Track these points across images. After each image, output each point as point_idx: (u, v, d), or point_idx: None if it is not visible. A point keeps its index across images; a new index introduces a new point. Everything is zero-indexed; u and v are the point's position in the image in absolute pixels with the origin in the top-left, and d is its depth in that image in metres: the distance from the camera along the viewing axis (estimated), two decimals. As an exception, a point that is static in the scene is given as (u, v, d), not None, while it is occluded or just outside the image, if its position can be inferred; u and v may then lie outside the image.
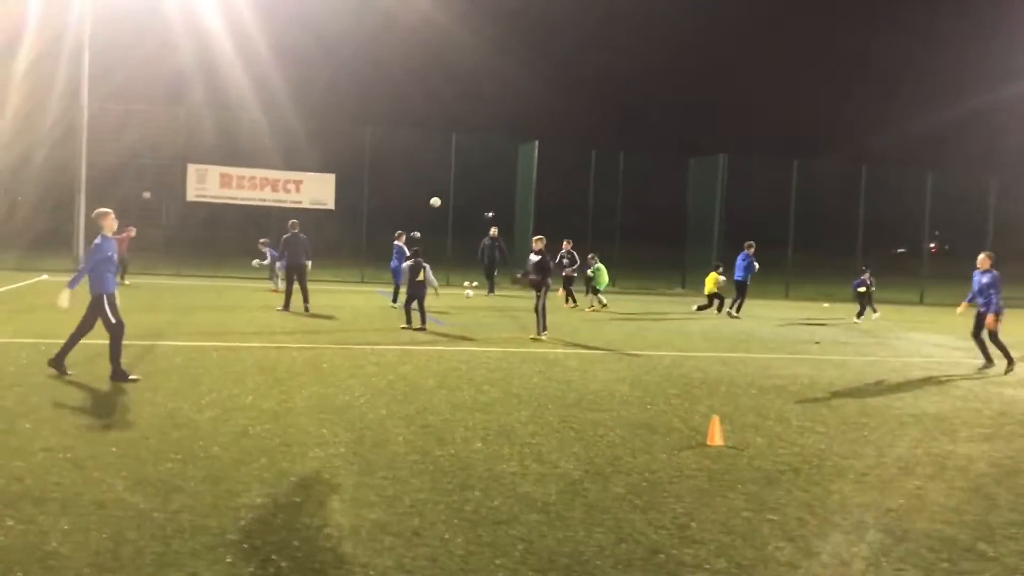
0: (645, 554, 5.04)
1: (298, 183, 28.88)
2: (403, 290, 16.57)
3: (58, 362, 9.54)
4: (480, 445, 7.35)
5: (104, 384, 9.17)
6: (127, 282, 21.75)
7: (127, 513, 5.23)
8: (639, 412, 9.10)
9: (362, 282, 28.86)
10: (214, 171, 28.23)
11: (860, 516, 5.91)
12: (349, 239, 30.36)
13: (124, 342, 9.60)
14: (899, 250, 52.64)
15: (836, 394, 10.89)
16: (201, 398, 8.70)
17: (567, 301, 22.11)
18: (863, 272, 22.81)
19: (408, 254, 20.65)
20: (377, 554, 4.81)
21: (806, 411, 9.63)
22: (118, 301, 9.69)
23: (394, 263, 20.27)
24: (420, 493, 5.93)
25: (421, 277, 15.93)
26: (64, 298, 9.45)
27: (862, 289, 22.52)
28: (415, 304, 15.65)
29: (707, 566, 4.89)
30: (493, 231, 25.11)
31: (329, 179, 29.16)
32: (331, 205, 29.16)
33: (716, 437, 7.87)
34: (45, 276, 23.04)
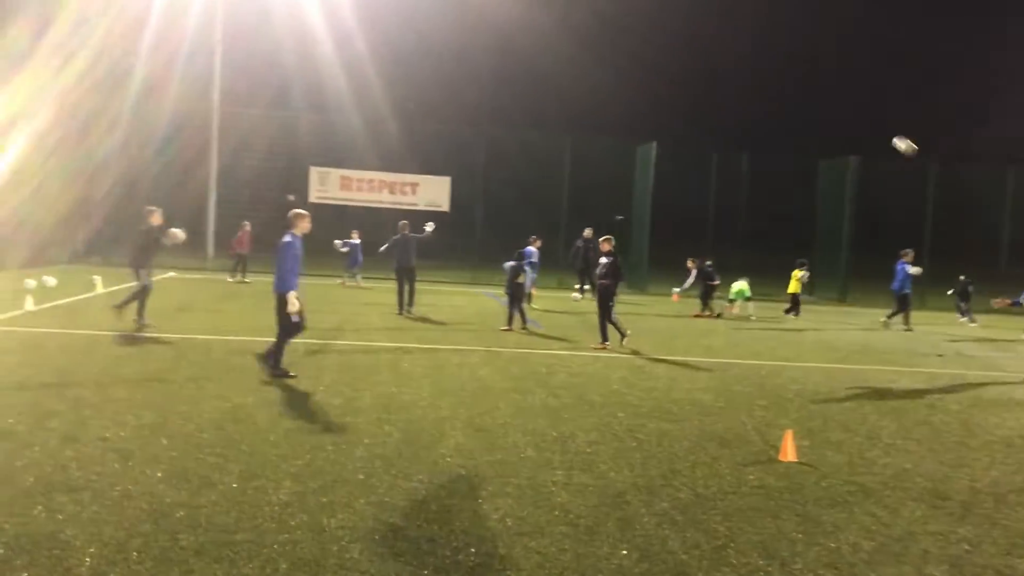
0: (666, 575, 4.69)
1: (414, 185, 29.35)
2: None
3: (275, 366, 9.62)
4: (531, 452, 7.11)
5: (173, 377, 9.44)
6: (247, 279, 22.60)
7: (151, 506, 5.28)
8: (715, 423, 8.63)
9: (473, 283, 29.02)
10: (335, 174, 29.03)
11: (926, 545, 5.34)
12: (462, 241, 30.58)
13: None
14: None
15: (942, 411, 10.04)
16: (268, 394, 8.82)
17: (704, 310, 21.22)
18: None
19: (536, 259, 21.11)
20: (382, 560, 4.67)
21: (901, 428, 8.90)
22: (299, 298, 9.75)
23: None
24: (452, 499, 5.76)
25: (521, 279, 15.88)
26: (292, 302, 9.61)
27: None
28: (515, 305, 15.63)
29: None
30: (587, 232, 24.27)
31: (444, 182, 29.48)
32: (446, 207, 29.46)
33: (789, 452, 7.35)
34: (172, 273, 24.21)
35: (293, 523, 5.13)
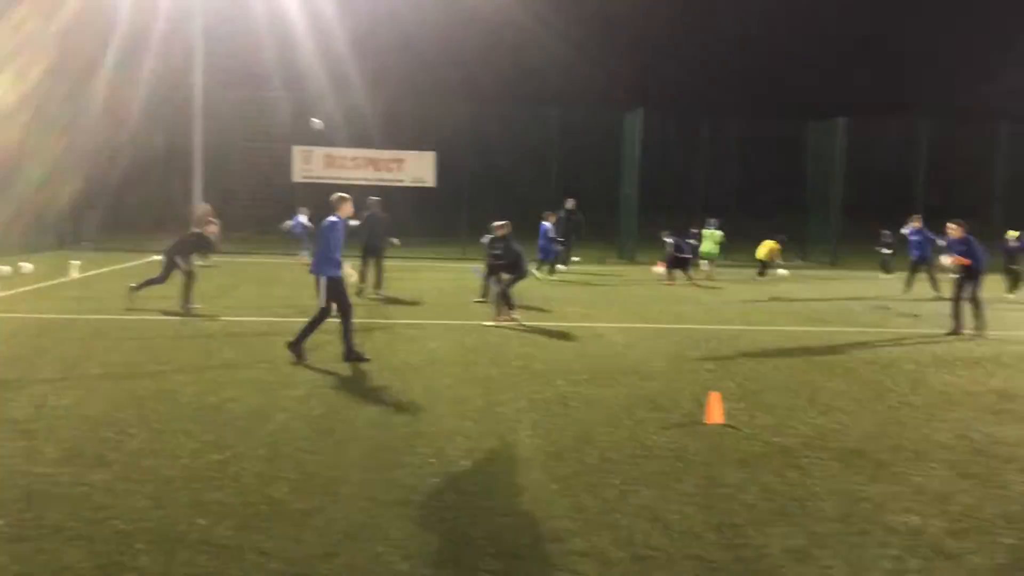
0: (530, 540, 4.57)
1: (399, 162, 29.14)
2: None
3: (350, 351, 9.44)
4: (451, 422, 7.00)
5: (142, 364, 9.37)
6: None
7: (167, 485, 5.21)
8: (652, 388, 8.50)
9: (463, 258, 28.87)
10: (318, 152, 28.84)
11: (826, 505, 5.21)
12: (450, 216, 30.39)
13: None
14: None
15: (896, 371, 9.87)
16: (226, 376, 8.74)
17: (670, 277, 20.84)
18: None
19: (553, 235, 20.95)
20: (260, 535, 4.57)
21: (847, 389, 8.74)
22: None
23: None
24: (343, 471, 5.65)
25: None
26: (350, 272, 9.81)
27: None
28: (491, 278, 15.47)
29: (589, 554, 4.38)
30: (570, 203, 23.89)
31: (429, 157, 29.24)
32: (432, 183, 29.25)
33: (715, 415, 7.21)
34: (156, 257, 24.12)
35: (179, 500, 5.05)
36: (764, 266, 23.44)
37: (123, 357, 9.37)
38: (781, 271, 24.40)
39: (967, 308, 12.93)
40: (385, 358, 9.73)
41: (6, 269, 17.70)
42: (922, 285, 18.84)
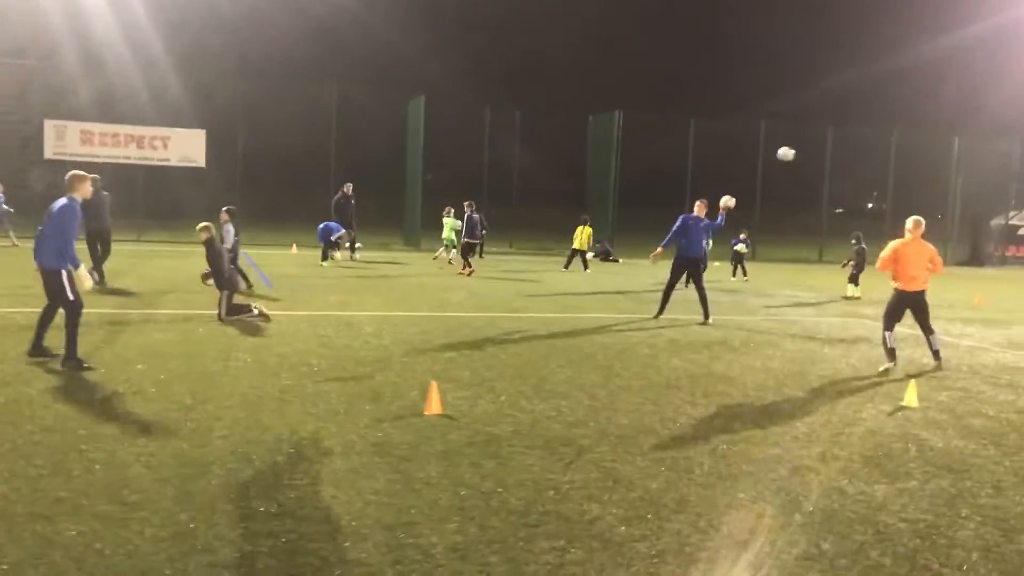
0: (170, 556, 4.13)
1: (165, 139, 27.34)
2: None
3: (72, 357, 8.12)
4: (135, 422, 6.38)
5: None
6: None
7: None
8: (385, 379, 8.21)
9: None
10: (74, 127, 26.55)
11: (510, 496, 5.09)
12: (221, 199, 28.86)
13: None
14: (837, 210, 51.54)
15: (630, 355, 10.14)
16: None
17: (465, 268, 20.43)
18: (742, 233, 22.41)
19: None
20: None
21: (577, 375, 8.84)
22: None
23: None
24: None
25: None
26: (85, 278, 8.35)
27: (740, 248, 22.08)
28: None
29: (233, 566, 4.01)
30: (347, 187, 23.00)
31: (199, 135, 27.62)
32: (202, 163, 27.66)
33: (433, 405, 7.02)
34: None
35: None
36: (583, 255, 23.78)
37: None
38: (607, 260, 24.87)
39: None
40: (99, 352, 8.87)
41: None
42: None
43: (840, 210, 52.09)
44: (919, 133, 37.46)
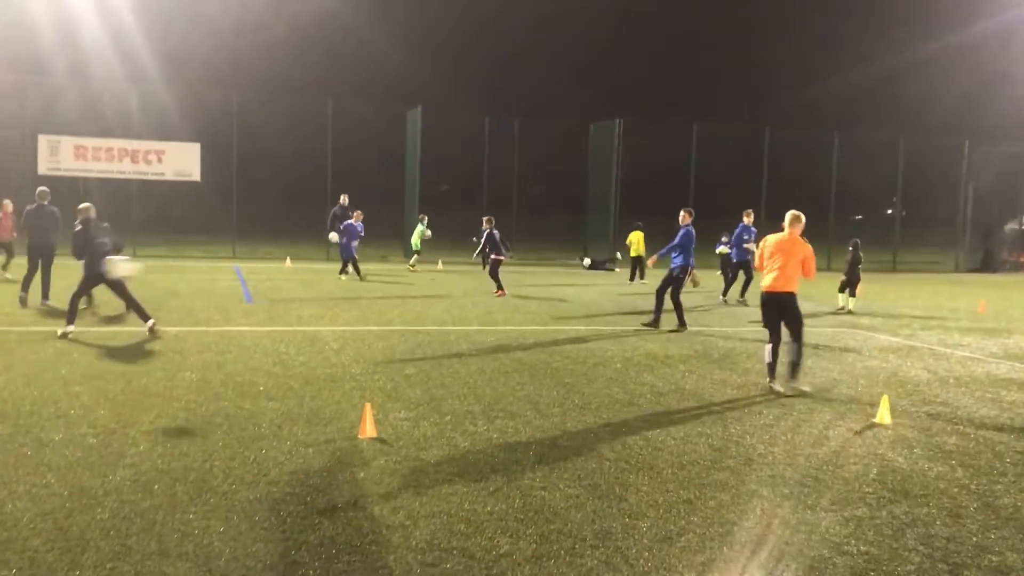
0: None
1: (160, 153, 27.19)
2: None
3: None
4: (51, 450, 6.05)
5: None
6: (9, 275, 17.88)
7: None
8: (329, 397, 7.86)
9: (233, 258, 27.36)
10: (68, 142, 26.44)
11: (427, 528, 4.72)
12: (218, 213, 28.74)
13: None
14: (856, 217, 50.33)
15: (598, 371, 9.74)
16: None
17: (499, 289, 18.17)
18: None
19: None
20: None
21: (536, 391, 8.45)
22: None
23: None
24: None
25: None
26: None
27: (723, 250, 21.05)
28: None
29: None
30: (344, 198, 22.66)
31: (194, 149, 27.47)
32: (196, 177, 27.49)
33: (367, 428, 6.65)
34: None
35: None
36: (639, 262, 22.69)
37: None
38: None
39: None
40: (41, 373, 8.57)
41: None
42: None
43: (859, 217, 51.08)
44: (928, 137, 36.80)
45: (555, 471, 5.90)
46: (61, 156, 26.31)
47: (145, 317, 11.12)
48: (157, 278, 19.26)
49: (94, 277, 11.08)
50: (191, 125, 27.91)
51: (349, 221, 21.57)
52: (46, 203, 13.79)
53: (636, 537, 4.77)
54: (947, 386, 9.58)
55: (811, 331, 13.87)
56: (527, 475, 5.78)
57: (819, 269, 13.34)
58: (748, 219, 17.95)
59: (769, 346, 9.00)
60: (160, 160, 27.11)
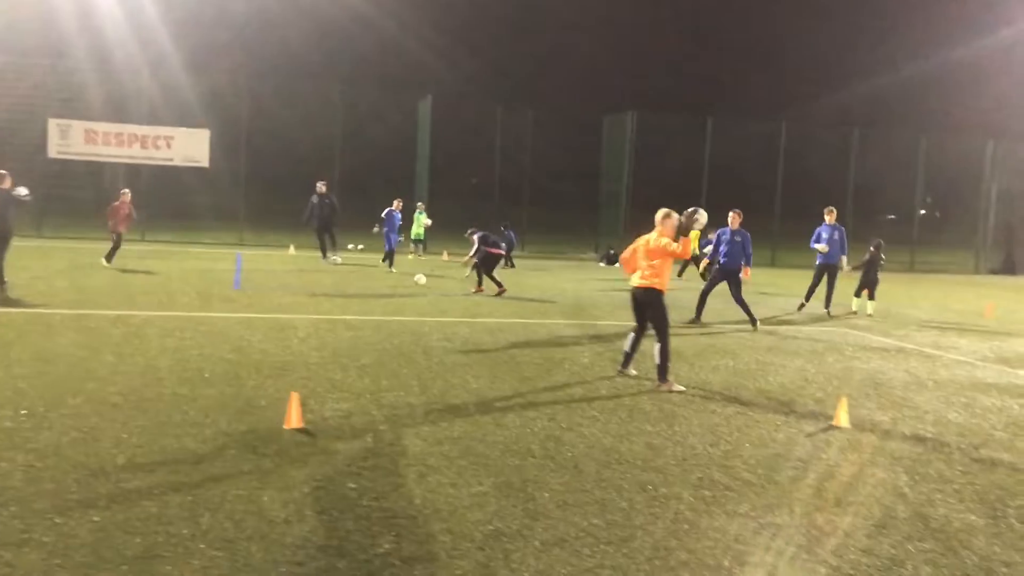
0: None
1: (169, 139, 27.23)
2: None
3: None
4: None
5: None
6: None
7: None
8: (272, 386, 7.68)
9: (240, 245, 27.37)
10: (78, 126, 26.56)
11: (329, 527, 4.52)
12: (225, 200, 28.76)
13: None
14: (890, 216, 48.94)
15: (560, 370, 9.50)
16: None
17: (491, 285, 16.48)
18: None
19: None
20: None
21: (488, 388, 8.23)
22: None
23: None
24: None
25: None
26: None
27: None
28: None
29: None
30: (321, 186, 21.96)
31: (203, 135, 27.48)
32: (205, 163, 27.51)
33: (292, 419, 6.47)
34: None
35: None
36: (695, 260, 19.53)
37: None
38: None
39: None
40: (-15, 354, 8.49)
41: None
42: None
43: (892, 216, 49.89)
44: (950, 136, 36.02)
45: (472, 468, 5.69)
46: (71, 140, 26.42)
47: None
48: (155, 264, 19.27)
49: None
50: (202, 111, 27.90)
51: (390, 209, 21.47)
52: (8, 187, 13.15)
53: (527, 539, 4.55)
54: (923, 389, 9.24)
55: (804, 330, 13.55)
56: (441, 473, 5.57)
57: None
58: (830, 218, 15.96)
59: (632, 335, 8.95)
60: (169, 146, 27.16)
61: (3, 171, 13.04)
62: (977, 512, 5.35)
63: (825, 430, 7.23)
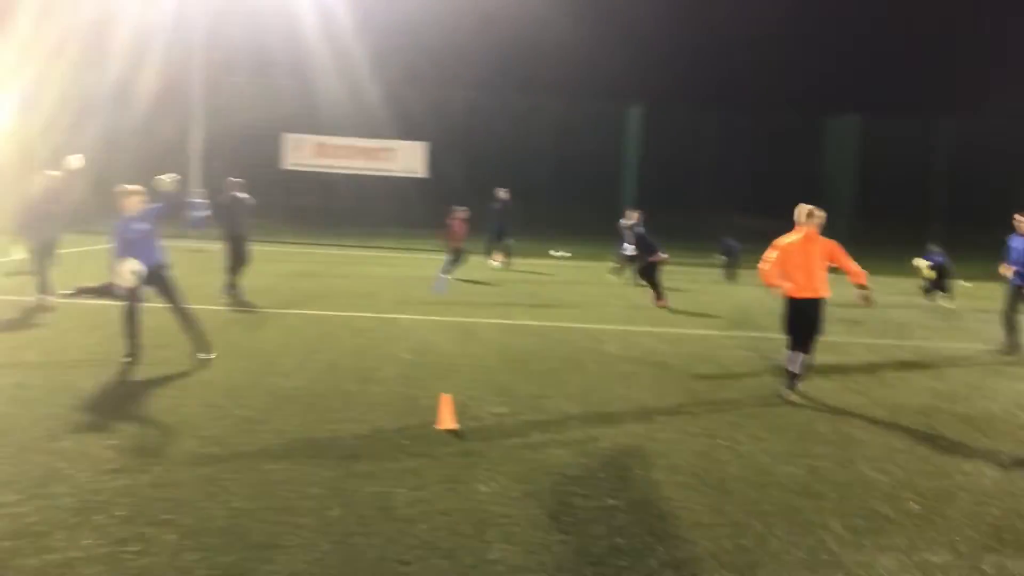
0: None
1: (390, 151, 28.82)
2: None
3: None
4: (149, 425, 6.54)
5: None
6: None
7: None
8: (439, 387, 7.75)
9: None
10: (310, 140, 28.73)
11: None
12: (440, 209, 29.91)
13: None
14: None
15: (659, 372, 9.07)
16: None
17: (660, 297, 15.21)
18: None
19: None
20: None
21: (645, 398, 8.01)
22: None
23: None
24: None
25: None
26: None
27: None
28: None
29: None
30: (502, 193, 21.88)
31: (421, 147, 28.85)
32: (422, 173, 28.86)
33: (445, 420, 6.60)
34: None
35: None
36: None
37: None
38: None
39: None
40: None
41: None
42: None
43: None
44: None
45: (609, 481, 5.58)
46: (304, 153, 28.63)
47: None
48: (372, 269, 20.33)
49: None
50: (425, 125, 29.19)
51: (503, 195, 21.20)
52: (236, 192, 13.79)
53: (644, 558, 4.36)
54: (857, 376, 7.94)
55: None
56: (576, 484, 5.47)
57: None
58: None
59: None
60: (390, 157, 28.75)
61: (238, 179, 13.98)
62: None
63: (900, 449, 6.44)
